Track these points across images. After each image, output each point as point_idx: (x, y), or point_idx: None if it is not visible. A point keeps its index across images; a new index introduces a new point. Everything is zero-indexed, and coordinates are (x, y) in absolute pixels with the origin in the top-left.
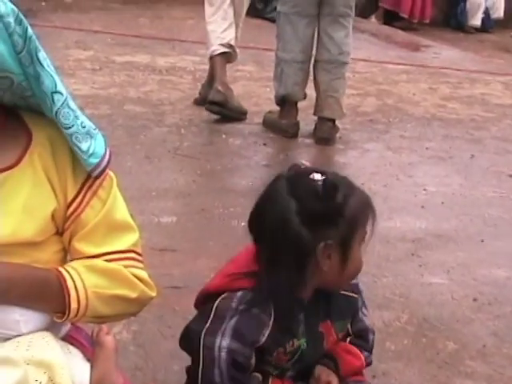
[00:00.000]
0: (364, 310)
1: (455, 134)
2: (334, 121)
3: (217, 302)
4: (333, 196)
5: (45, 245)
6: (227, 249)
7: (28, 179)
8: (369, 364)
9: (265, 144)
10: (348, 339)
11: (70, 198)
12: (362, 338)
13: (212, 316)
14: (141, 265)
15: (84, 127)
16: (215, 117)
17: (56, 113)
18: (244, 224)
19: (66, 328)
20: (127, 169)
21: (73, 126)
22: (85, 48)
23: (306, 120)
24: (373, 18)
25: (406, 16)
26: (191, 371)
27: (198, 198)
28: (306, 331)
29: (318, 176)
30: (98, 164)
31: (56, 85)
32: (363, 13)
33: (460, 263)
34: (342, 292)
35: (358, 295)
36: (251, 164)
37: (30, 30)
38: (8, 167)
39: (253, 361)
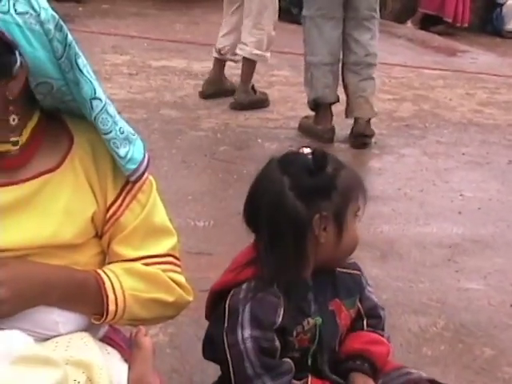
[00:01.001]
0: (369, 287)
1: (492, 139)
2: (368, 120)
3: (227, 301)
4: (323, 168)
5: (84, 247)
6: None
7: (69, 182)
8: (389, 340)
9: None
10: (364, 324)
11: (109, 202)
12: (375, 316)
13: (227, 315)
14: (179, 269)
15: (122, 133)
16: (251, 122)
17: (95, 118)
18: None
19: (103, 330)
20: (163, 173)
21: (111, 131)
22: (121, 53)
23: (342, 125)
24: (409, 23)
25: (450, 20)
26: (223, 375)
27: (234, 202)
28: (318, 310)
29: (306, 150)
30: (136, 169)
31: (95, 91)
32: (399, 18)
33: (497, 269)
34: (345, 271)
35: (360, 272)
36: None
37: (69, 37)
38: (49, 170)
39: (277, 344)
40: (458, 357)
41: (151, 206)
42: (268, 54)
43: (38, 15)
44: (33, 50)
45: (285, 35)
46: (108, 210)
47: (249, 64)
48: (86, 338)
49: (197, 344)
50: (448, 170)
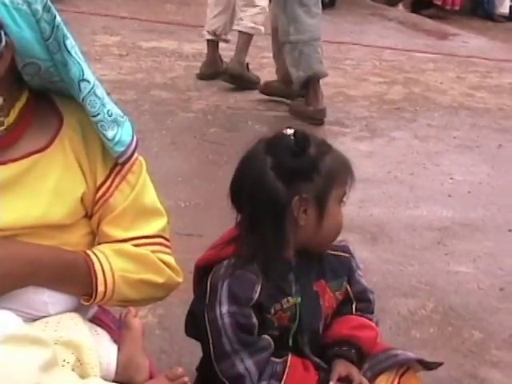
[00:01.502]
0: (359, 271)
1: (483, 123)
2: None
3: (209, 278)
4: (305, 149)
5: (74, 228)
6: None
7: (58, 162)
8: (377, 324)
9: None
10: (353, 307)
11: (99, 182)
12: (364, 299)
13: (208, 292)
14: (168, 250)
15: (110, 115)
16: (242, 104)
17: (83, 100)
18: None
19: (93, 310)
20: (153, 154)
21: (99, 114)
22: (112, 34)
23: (333, 108)
24: (400, 6)
25: (439, 3)
26: (204, 354)
27: (223, 183)
28: (299, 290)
29: (290, 131)
30: (124, 151)
31: (83, 72)
32: (390, 1)
33: (487, 252)
34: (333, 252)
35: (350, 255)
36: None
37: (58, 18)
38: (39, 150)
39: (254, 320)
40: (446, 340)
41: (141, 186)
42: (262, 28)
43: None
44: (19, 30)
45: None
46: (97, 190)
47: (244, 38)
48: (75, 318)
49: None
50: (438, 153)
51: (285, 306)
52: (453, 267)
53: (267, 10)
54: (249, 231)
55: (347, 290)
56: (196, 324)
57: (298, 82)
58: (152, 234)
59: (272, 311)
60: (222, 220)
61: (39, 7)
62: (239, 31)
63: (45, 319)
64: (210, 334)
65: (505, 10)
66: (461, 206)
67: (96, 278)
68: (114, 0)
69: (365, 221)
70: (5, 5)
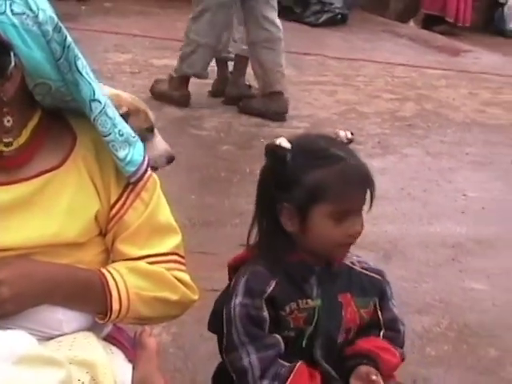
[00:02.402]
0: (393, 300)
1: (495, 139)
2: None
3: (234, 277)
4: (293, 161)
5: (88, 246)
6: None
7: (72, 180)
8: (403, 360)
9: None
10: (381, 333)
11: (113, 200)
12: (394, 329)
13: (231, 289)
14: (183, 267)
15: (122, 135)
16: (254, 120)
17: (94, 120)
18: None
19: (107, 329)
20: (166, 172)
21: (110, 134)
22: (123, 51)
23: (345, 124)
24: (411, 23)
25: (451, 20)
26: (219, 351)
27: (237, 201)
28: (321, 295)
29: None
30: (136, 172)
31: (94, 92)
32: (402, 17)
33: (501, 269)
34: (366, 272)
35: (384, 280)
36: None
37: (69, 39)
38: (52, 168)
39: (265, 314)
40: (461, 357)
41: (155, 204)
42: None
43: (36, 16)
44: (29, 51)
45: (287, 34)
46: (111, 208)
47: (239, 60)
48: (89, 337)
49: (200, 343)
50: (451, 169)
51: (301, 307)
52: (467, 284)
53: None
54: (259, 231)
55: (376, 312)
56: (216, 318)
57: (176, 72)
58: (166, 252)
59: (287, 309)
60: (236, 237)
61: (49, 28)
62: (235, 54)
63: (58, 338)
64: (224, 326)
65: None
66: (474, 222)
67: (111, 296)
68: (126, 18)
69: (378, 237)
70: (15, 26)
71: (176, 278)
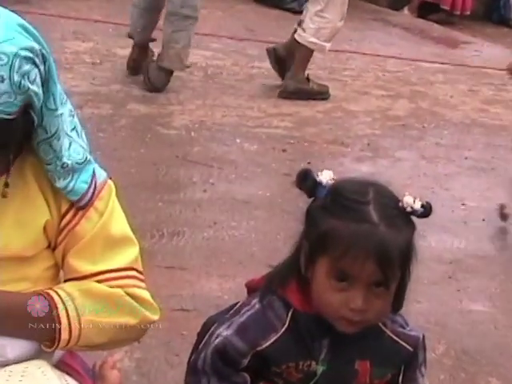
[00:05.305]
0: (423, 369)
1: (498, 142)
2: (171, 72)
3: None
4: (324, 199)
5: (35, 260)
6: (241, 267)
7: (18, 189)
8: None
9: (284, 150)
10: None
11: (63, 209)
12: None
13: (233, 310)
14: (142, 284)
15: (64, 167)
16: (229, 119)
17: (37, 144)
18: (258, 240)
19: (58, 354)
20: (130, 175)
21: (50, 164)
22: (83, 39)
23: (331, 124)
24: (405, 11)
25: (447, 8)
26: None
27: (209, 209)
28: (329, 360)
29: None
30: (80, 199)
31: (42, 121)
32: (394, 4)
33: (504, 289)
34: (393, 336)
35: (415, 350)
36: (269, 172)
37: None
38: None
39: (245, 361)
40: None
41: (109, 213)
42: (327, 45)
43: None
44: None
45: (267, 22)
46: (62, 218)
47: (302, 50)
48: (43, 366)
49: (167, 370)
50: (449, 175)
51: (301, 368)
52: (466, 305)
53: (338, 24)
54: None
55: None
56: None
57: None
58: (123, 267)
59: (283, 367)
60: (207, 251)
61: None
62: (298, 42)
63: (8, 368)
64: (196, 340)
65: None
66: (474, 235)
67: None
68: (86, 1)
69: None
70: None
71: (134, 296)
